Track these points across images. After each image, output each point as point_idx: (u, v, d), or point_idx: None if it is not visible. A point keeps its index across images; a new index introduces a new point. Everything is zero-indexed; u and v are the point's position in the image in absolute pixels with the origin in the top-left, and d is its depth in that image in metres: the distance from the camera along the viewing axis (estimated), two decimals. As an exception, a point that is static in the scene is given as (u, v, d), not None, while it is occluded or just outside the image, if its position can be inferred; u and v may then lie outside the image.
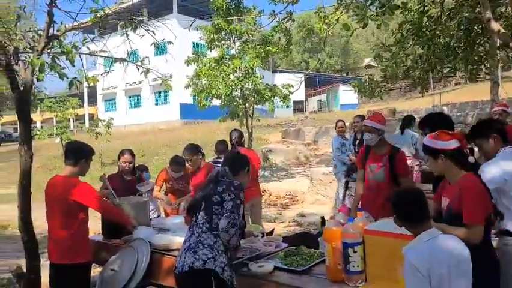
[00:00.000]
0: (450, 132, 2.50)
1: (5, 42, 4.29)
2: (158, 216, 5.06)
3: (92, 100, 40.66)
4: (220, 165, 5.42)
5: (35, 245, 4.08)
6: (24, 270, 4.16)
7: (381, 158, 3.85)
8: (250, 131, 10.92)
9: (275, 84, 11.18)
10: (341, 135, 7.19)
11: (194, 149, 4.78)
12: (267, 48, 9.48)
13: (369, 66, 56.83)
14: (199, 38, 10.55)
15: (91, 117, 39.07)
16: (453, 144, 2.41)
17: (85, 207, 3.40)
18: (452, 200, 2.40)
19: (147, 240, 3.51)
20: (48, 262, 3.48)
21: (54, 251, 3.39)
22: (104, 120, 18.09)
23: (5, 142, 39.70)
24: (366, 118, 4.73)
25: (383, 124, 3.87)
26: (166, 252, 3.41)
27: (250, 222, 5.50)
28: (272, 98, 10.27)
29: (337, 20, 6.73)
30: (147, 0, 26.51)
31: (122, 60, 5.25)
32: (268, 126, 21.43)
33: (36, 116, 26.60)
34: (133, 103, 35.54)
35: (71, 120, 22.10)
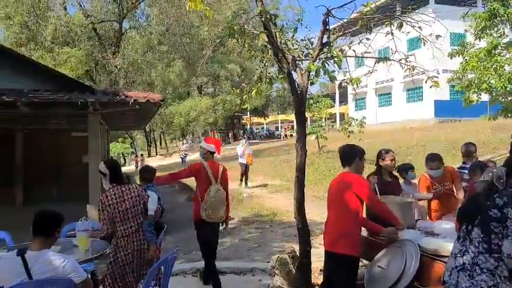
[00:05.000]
0: None
1: (285, 53, 4.93)
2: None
3: (342, 99, 42.74)
4: (466, 171, 4.84)
5: (308, 232, 4.54)
6: (297, 253, 4.70)
7: None
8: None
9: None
10: None
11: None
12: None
13: None
14: (465, 30, 9.52)
15: (341, 116, 41.13)
16: None
17: (361, 203, 3.58)
18: None
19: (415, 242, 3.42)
20: (317, 249, 3.82)
21: (329, 240, 3.69)
22: (356, 119, 18.60)
23: (268, 139, 46.46)
24: None
25: None
26: (438, 258, 3.22)
27: None
28: None
29: None
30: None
31: (386, 59, 5.27)
32: (550, 126, 17.61)
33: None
34: (383, 101, 35.53)
35: (324, 119, 23.74)
